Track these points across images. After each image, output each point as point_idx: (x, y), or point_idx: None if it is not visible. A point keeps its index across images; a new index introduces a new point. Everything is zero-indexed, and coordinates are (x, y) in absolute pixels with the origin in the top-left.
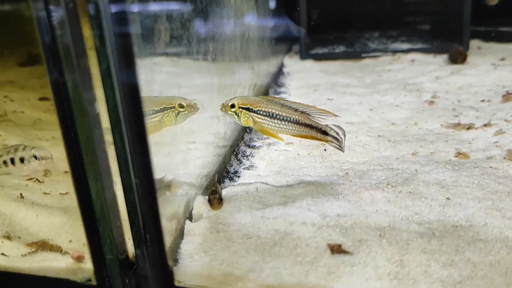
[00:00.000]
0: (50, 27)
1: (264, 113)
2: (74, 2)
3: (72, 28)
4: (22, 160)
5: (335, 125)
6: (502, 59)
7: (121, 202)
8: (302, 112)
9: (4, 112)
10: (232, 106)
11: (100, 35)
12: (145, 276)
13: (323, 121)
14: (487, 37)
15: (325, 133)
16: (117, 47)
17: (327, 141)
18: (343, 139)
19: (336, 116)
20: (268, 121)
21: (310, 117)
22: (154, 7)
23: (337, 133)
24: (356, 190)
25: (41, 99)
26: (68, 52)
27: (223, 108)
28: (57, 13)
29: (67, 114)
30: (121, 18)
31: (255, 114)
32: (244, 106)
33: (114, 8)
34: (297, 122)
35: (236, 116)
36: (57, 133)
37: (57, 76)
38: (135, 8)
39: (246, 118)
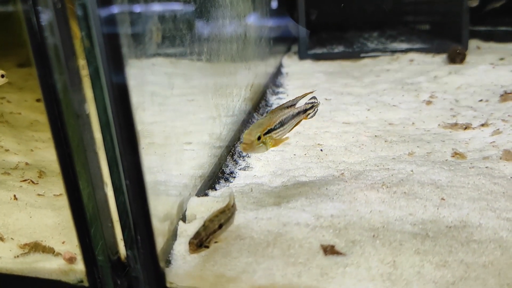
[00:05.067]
0: (39, 28)
1: (278, 125)
2: (62, 2)
3: (61, 29)
4: None
5: (309, 100)
6: (501, 59)
7: (113, 203)
8: (290, 106)
9: (0, 113)
10: (259, 138)
11: (88, 35)
12: (137, 278)
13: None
14: (486, 37)
15: (309, 108)
16: (106, 48)
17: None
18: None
19: (312, 92)
20: (280, 131)
21: (297, 106)
22: (145, 8)
23: (312, 103)
24: (351, 190)
25: (38, 100)
26: (57, 54)
27: (248, 147)
28: (46, 14)
29: (57, 116)
30: (110, 19)
31: (272, 132)
32: (266, 131)
33: (102, 9)
34: (293, 116)
35: (263, 144)
36: None
37: (47, 78)
38: (124, 8)
39: (271, 141)
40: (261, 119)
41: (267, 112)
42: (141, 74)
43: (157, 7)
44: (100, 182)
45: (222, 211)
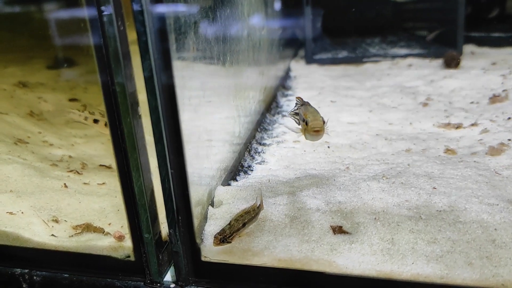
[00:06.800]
0: (105, 44)
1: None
2: (124, 25)
3: (122, 44)
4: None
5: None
6: (493, 64)
7: (157, 190)
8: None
9: (40, 111)
10: (324, 122)
11: (145, 49)
12: (177, 252)
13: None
14: (481, 42)
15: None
16: (160, 61)
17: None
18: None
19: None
20: None
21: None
22: (185, 28)
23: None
24: (356, 181)
25: (71, 100)
26: (118, 63)
27: (321, 130)
28: (111, 34)
29: (116, 116)
30: (163, 38)
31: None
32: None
33: (159, 35)
34: None
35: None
36: (89, 132)
37: (108, 84)
38: (172, 29)
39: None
40: (310, 108)
41: (278, 113)
42: (182, 81)
43: (192, 27)
44: (148, 172)
45: (247, 211)
